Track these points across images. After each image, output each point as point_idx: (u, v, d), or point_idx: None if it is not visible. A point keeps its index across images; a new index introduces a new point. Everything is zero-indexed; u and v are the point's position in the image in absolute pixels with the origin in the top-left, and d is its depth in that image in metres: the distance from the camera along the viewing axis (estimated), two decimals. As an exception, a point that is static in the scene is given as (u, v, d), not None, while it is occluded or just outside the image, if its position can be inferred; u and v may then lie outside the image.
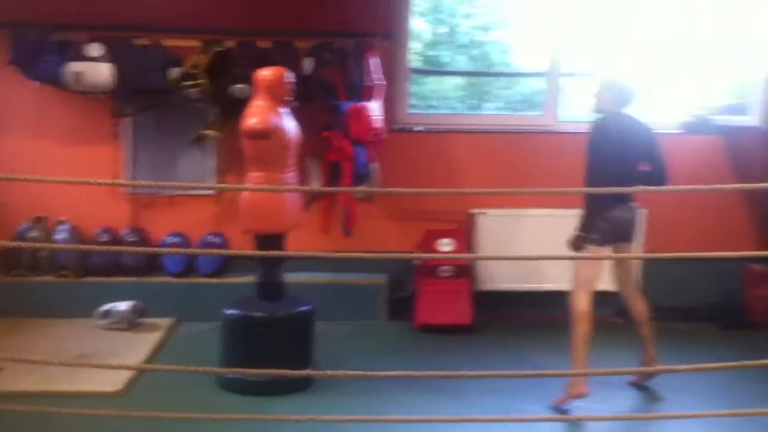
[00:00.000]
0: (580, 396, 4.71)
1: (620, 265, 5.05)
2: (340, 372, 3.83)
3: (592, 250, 4.74)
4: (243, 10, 6.31)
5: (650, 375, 5.06)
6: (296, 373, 4.29)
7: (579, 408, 4.68)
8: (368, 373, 4.05)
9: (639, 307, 5.04)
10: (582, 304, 4.76)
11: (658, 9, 6.77)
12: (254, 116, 4.85)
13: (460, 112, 7.13)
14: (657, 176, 4.78)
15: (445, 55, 7.19)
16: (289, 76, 5.07)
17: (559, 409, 4.70)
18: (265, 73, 5.01)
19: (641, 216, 4.91)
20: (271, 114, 4.88)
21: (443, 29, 7.09)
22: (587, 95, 6.80)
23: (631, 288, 5.07)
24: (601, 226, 4.72)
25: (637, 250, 5.14)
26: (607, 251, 4.83)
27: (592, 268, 4.82)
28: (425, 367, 5.12)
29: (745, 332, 6.17)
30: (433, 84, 6.93)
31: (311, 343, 5.00)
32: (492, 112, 7.08)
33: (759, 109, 6.16)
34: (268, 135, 4.82)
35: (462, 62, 7.21)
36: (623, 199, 4.79)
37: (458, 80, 7.33)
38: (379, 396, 4.69)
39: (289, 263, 5.25)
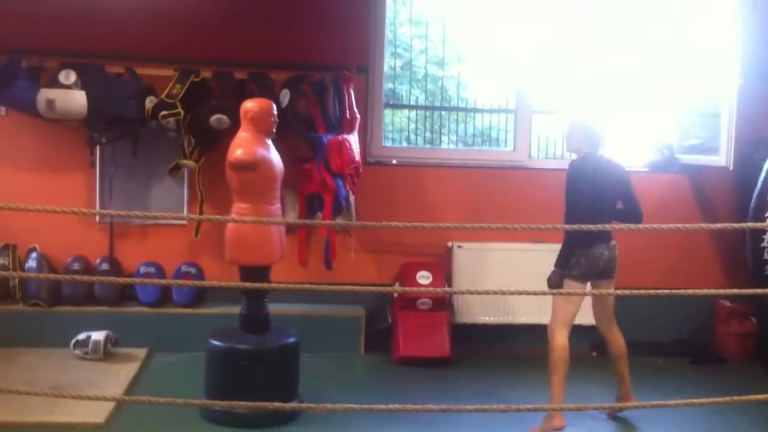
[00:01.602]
0: (556, 429, 4.77)
1: (598, 300, 5.11)
2: (329, 405, 3.78)
3: (571, 286, 4.83)
4: (219, 41, 6.29)
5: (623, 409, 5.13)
6: (285, 405, 4.24)
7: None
8: (358, 406, 4.02)
9: (617, 341, 5.12)
10: (560, 339, 4.84)
11: (621, 46, 6.95)
12: (240, 148, 4.81)
13: (435, 147, 7.14)
14: (632, 214, 4.95)
15: (402, 89, 7.24)
16: (274, 109, 5.06)
17: None
18: (250, 105, 4.97)
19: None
20: (257, 146, 4.85)
21: (399, 62, 7.14)
22: (554, 132, 7.02)
23: (609, 323, 5.14)
24: (582, 263, 4.82)
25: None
26: (585, 287, 4.93)
27: (572, 305, 4.89)
28: (406, 400, 5.05)
29: (714, 367, 6.28)
30: (387, 117, 6.93)
31: (297, 375, 4.97)
32: (464, 147, 7.14)
33: (725, 150, 6.31)
34: (254, 167, 4.78)
35: (418, 96, 7.26)
36: (604, 237, 4.88)
37: (412, 113, 7.32)
38: (362, 429, 4.70)
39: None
